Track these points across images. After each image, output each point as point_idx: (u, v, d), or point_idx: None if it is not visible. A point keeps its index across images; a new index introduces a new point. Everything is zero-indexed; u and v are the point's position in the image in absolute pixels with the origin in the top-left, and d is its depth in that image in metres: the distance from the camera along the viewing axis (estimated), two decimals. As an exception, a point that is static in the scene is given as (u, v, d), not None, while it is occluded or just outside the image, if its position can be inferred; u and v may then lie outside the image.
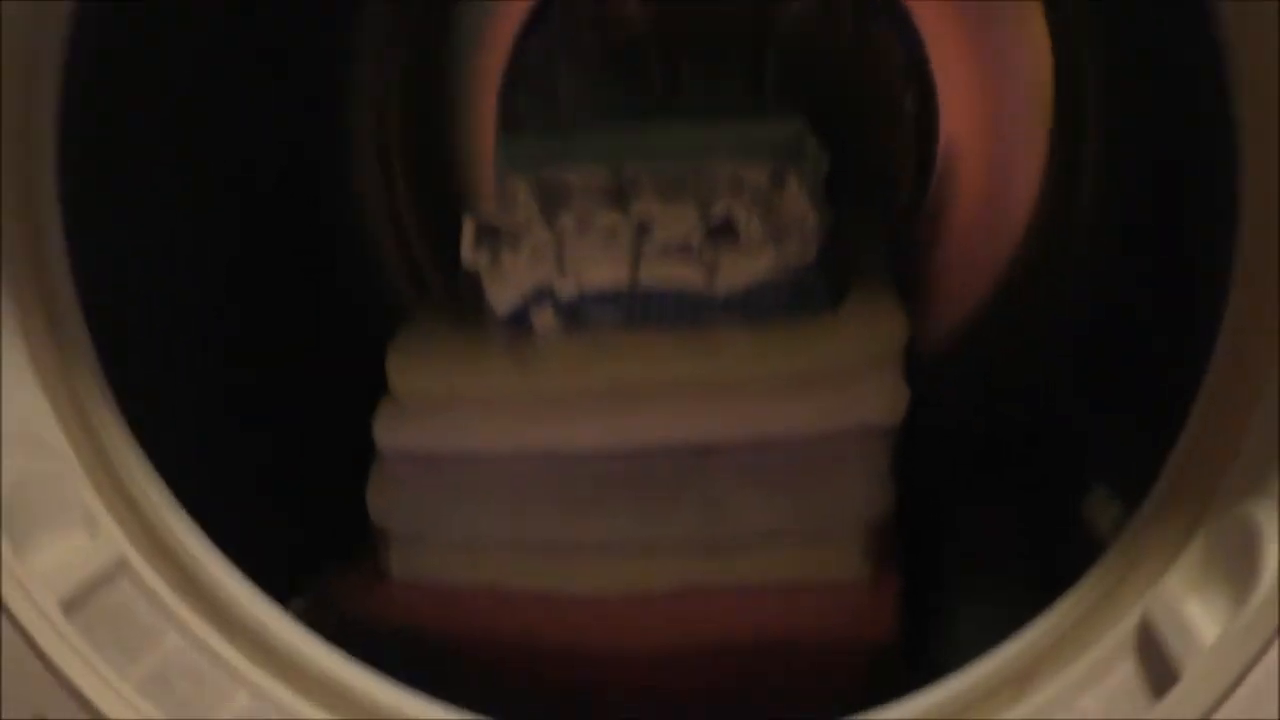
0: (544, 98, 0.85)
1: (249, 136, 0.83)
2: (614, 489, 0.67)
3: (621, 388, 0.66)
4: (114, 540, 0.55)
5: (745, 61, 0.91)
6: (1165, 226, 0.79)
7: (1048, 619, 0.52)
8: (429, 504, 0.69)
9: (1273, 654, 0.43)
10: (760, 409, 0.66)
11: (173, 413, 0.66)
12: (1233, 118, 0.47)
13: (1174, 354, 0.71)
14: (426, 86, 0.99)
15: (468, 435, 0.68)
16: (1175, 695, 0.45)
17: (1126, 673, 0.49)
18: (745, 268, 0.65)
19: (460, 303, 0.73)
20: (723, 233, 0.65)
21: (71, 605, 0.52)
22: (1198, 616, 0.46)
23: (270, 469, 0.79)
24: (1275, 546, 0.44)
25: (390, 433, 0.69)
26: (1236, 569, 0.46)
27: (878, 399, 0.66)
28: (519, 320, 0.69)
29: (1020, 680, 0.51)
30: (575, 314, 0.68)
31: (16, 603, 0.50)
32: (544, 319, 0.68)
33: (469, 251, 0.67)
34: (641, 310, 0.67)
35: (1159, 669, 0.47)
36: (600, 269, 0.66)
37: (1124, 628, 0.50)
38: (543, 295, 0.67)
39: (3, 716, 0.50)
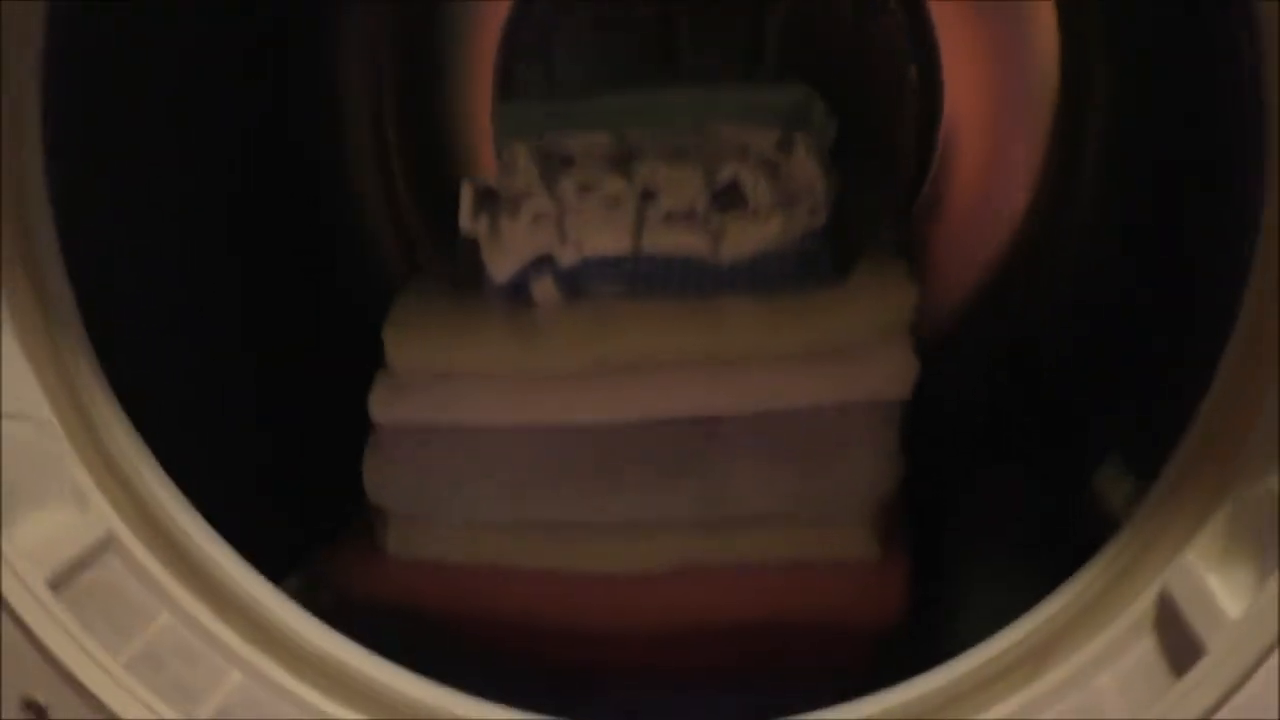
0: (542, 65, 0.83)
1: (242, 117, 0.83)
2: (616, 465, 0.65)
3: (624, 360, 0.65)
4: (103, 516, 0.54)
5: (745, 30, 0.89)
6: (1176, 203, 0.79)
7: (1063, 595, 0.52)
8: (426, 480, 0.68)
9: (1300, 628, 0.42)
10: (766, 382, 0.64)
11: (164, 389, 0.66)
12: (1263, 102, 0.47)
13: (1188, 325, 0.70)
14: (422, 56, 0.98)
15: (466, 409, 0.67)
16: (1199, 670, 0.44)
17: (1145, 649, 0.48)
18: (752, 235, 0.63)
19: (457, 272, 0.71)
20: (729, 199, 0.63)
21: (59, 583, 0.50)
22: (1220, 591, 0.46)
23: (263, 445, 0.78)
24: (1302, 519, 0.43)
25: (386, 406, 0.68)
26: (1260, 542, 0.45)
27: (887, 372, 0.64)
28: (518, 290, 0.67)
29: (1036, 657, 0.50)
30: (576, 283, 0.66)
31: (3, 581, 0.49)
32: (544, 288, 0.66)
33: (467, 218, 0.65)
34: (645, 279, 0.65)
35: (1180, 645, 0.46)
36: (602, 236, 0.65)
37: (1142, 604, 0.49)
38: (543, 264, 0.66)
39: (-10, 697, 0.49)
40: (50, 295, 0.55)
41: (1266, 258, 0.47)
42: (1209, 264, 0.72)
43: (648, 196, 0.64)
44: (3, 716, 0.49)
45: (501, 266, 0.66)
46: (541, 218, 0.64)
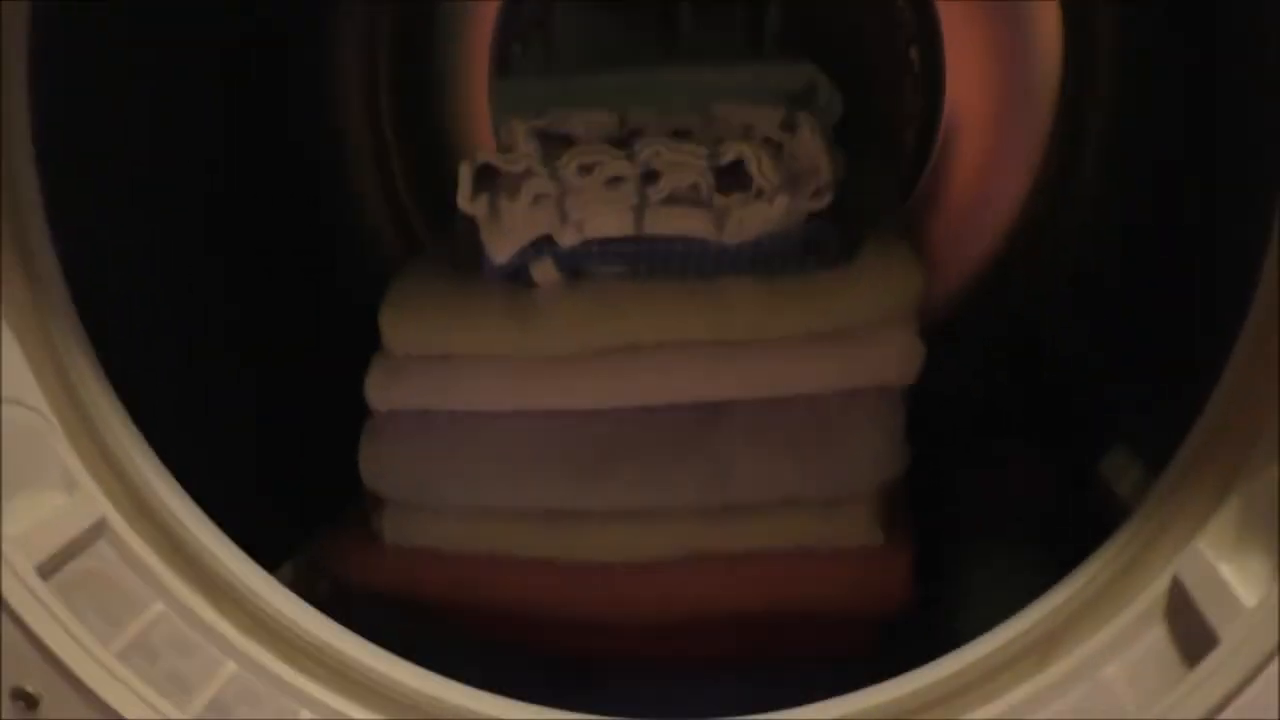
0: (541, 42, 0.82)
1: (236, 117, 0.83)
2: (618, 451, 0.65)
3: (625, 343, 0.64)
4: (94, 501, 0.53)
5: (746, 9, 0.88)
6: (1174, 194, 0.78)
7: (1072, 584, 0.51)
8: (424, 466, 0.67)
9: (1318, 616, 0.42)
10: (770, 366, 0.64)
11: (161, 379, 0.65)
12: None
13: (1195, 313, 0.70)
14: (418, 41, 0.97)
15: (464, 393, 0.66)
16: (1213, 660, 0.44)
17: (1156, 638, 0.48)
18: (756, 216, 0.62)
19: (455, 253, 0.70)
20: (732, 180, 0.62)
21: (50, 570, 0.50)
22: (1234, 580, 0.45)
23: (259, 436, 0.77)
24: (1318, 506, 0.43)
25: (383, 391, 0.67)
26: (1274, 530, 0.44)
27: (893, 357, 0.64)
28: (517, 272, 0.66)
29: (1044, 647, 0.50)
30: (577, 264, 0.65)
31: (-8, 568, 0.48)
32: (544, 270, 0.65)
33: (465, 198, 0.64)
34: (646, 261, 0.64)
35: (1192, 634, 0.46)
36: (604, 217, 0.63)
37: (1153, 593, 0.48)
38: (543, 245, 0.65)
39: (-21, 686, 0.48)
40: (43, 285, 0.54)
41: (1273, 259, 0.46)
42: (1213, 251, 0.72)
43: (650, 177, 0.63)
44: (-6, 706, 0.48)
45: (501, 247, 0.64)
46: (542, 198, 0.63)
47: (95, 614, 0.50)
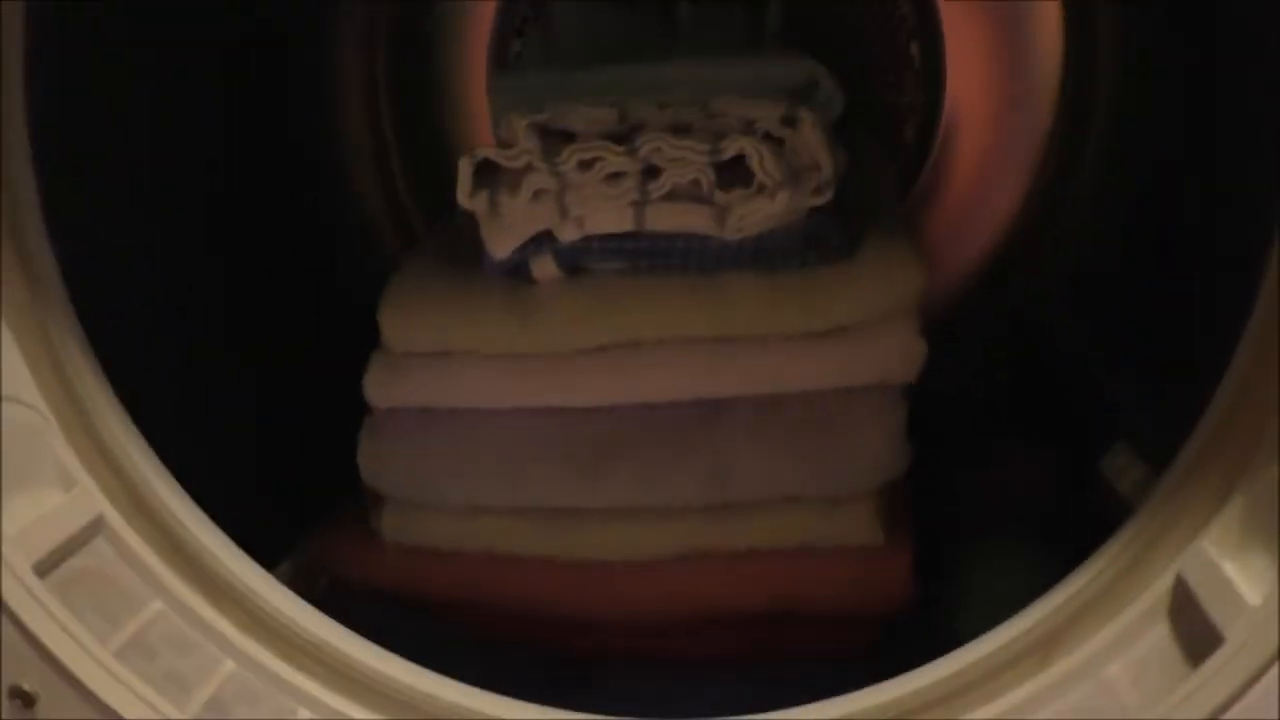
0: (540, 36, 0.81)
1: (235, 116, 0.83)
2: (618, 449, 0.64)
3: (626, 339, 0.64)
4: (91, 498, 0.53)
5: (747, 4, 0.87)
6: (1181, 190, 0.78)
7: (1074, 582, 0.51)
8: (423, 464, 0.67)
9: (1324, 616, 0.41)
10: (772, 363, 0.63)
11: (160, 378, 0.65)
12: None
13: (1198, 312, 0.70)
14: (415, 38, 0.97)
15: (464, 390, 0.66)
16: (1218, 659, 0.43)
17: (1159, 637, 0.48)
18: (758, 211, 0.62)
19: (454, 249, 0.70)
20: (734, 175, 0.62)
21: (47, 568, 0.49)
22: (1238, 578, 0.45)
23: (259, 434, 0.77)
24: (1323, 504, 0.42)
25: (382, 388, 0.66)
26: (1278, 529, 0.44)
27: (894, 354, 0.63)
28: (517, 268, 0.66)
29: (1046, 645, 0.50)
30: (577, 260, 0.65)
31: (-11, 566, 0.47)
32: (544, 266, 0.65)
33: (465, 194, 0.64)
34: (647, 256, 0.64)
35: (1196, 633, 0.45)
36: (604, 213, 0.63)
37: (1156, 591, 0.48)
38: (543, 241, 0.64)
39: (-24, 685, 0.47)
40: (41, 284, 0.54)
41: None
42: (1213, 250, 0.72)
43: (650, 172, 0.62)
44: (-8, 705, 0.48)
45: (501, 244, 0.64)
46: (542, 194, 0.63)
47: (93, 612, 0.50)
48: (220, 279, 0.79)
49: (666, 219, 0.63)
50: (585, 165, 0.62)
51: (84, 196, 0.61)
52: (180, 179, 0.76)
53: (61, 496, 0.52)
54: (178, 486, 0.56)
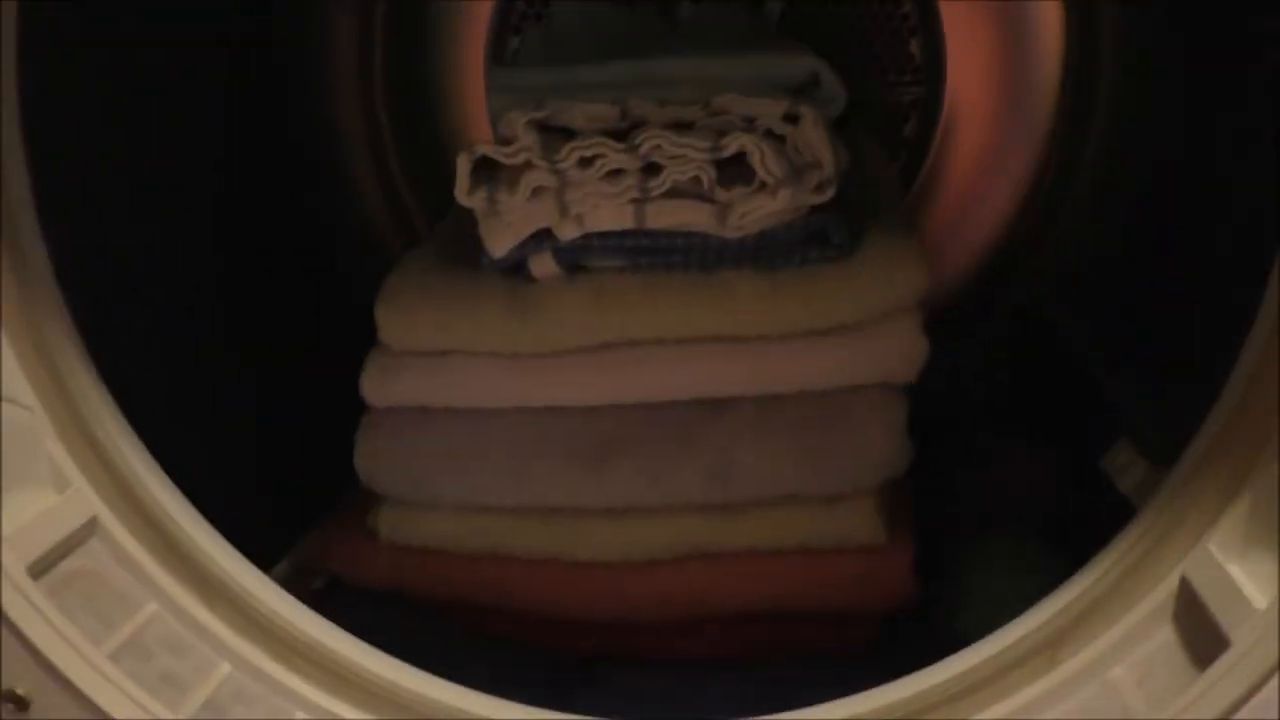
0: (539, 36, 0.81)
1: (234, 116, 0.83)
2: (618, 448, 0.64)
3: (626, 338, 0.63)
4: (85, 499, 0.52)
5: (747, 0, 0.87)
6: (1181, 190, 0.78)
7: (1078, 584, 0.51)
8: (420, 463, 0.66)
9: (1333, 619, 0.41)
10: (773, 361, 0.63)
11: (157, 374, 0.65)
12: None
13: (1198, 312, 0.70)
14: (413, 36, 0.96)
15: (463, 389, 0.65)
16: (1224, 662, 0.43)
17: (1164, 640, 0.47)
18: (759, 209, 0.61)
19: (453, 246, 0.69)
20: (735, 172, 0.61)
21: (40, 569, 0.49)
22: (1245, 581, 0.44)
23: (256, 434, 0.76)
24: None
25: (380, 386, 0.66)
26: (1287, 530, 0.44)
27: (896, 350, 0.63)
28: (516, 266, 0.65)
29: (1051, 647, 0.49)
30: (577, 258, 0.64)
31: (-20, 567, 0.47)
32: (543, 264, 0.64)
33: (464, 191, 0.63)
34: (648, 254, 0.64)
35: (1202, 637, 0.45)
36: (605, 211, 0.62)
37: (1161, 594, 0.48)
38: (542, 238, 0.64)
39: (-31, 688, 0.47)
40: (34, 284, 0.53)
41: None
42: (1212, 249, 0.71)
43: (651, 170, 0.62)
44: (-16, 708, 0.47)
45: (499, 242, 0.64)
46: (541, 191, 0.62)
47: (87, 614, 0.49)
48: (220, 278, 0.79)
49: (667, 217, 0.62)
50: (585, 162, 0.62)
51: (84, 196, 0.61)
52: (181, 179, 0.76)
53: (55, 498, 0.51)
54: (173, 487, 0.55)
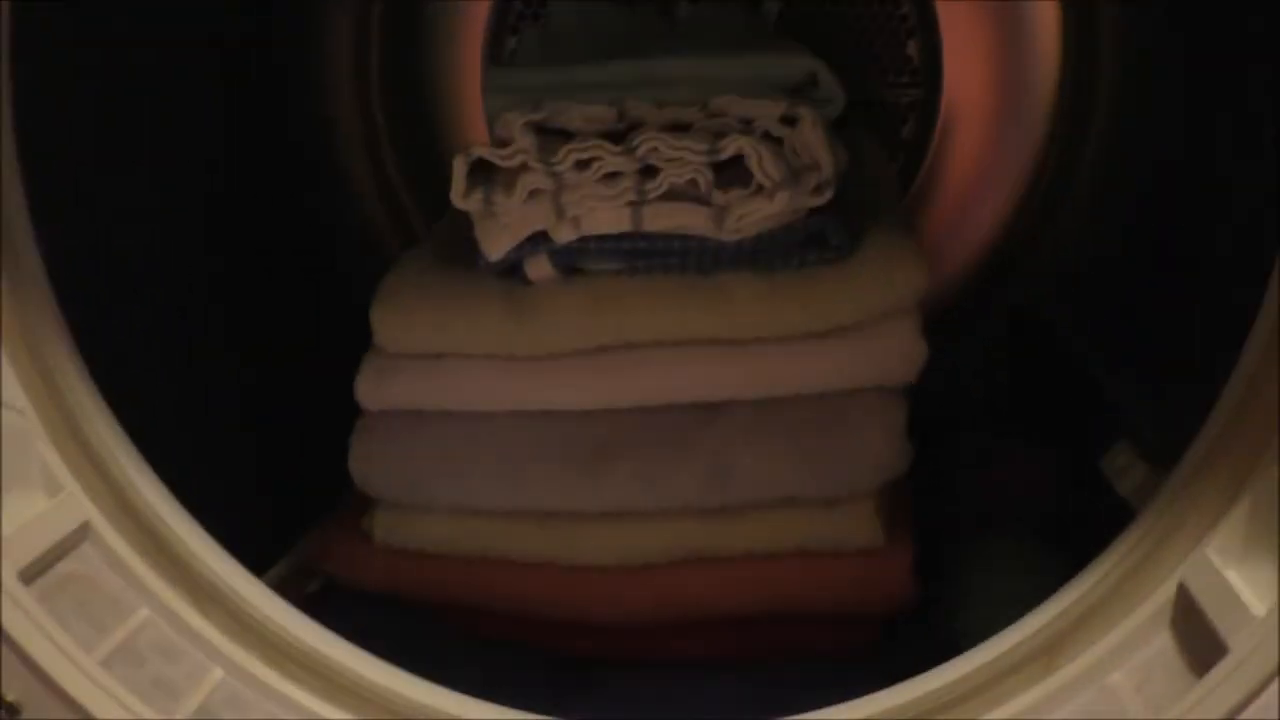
0: (536, 36, 0.81)
1: (233, 116, 0.83)
2: (615, 451, 0.63)
3: (623, 341, 0.63)
4: (78, 504, 0.52)
5: (745, 1, 0.87)
6: (1181, 186, 0.78)
7: (1078, 588, 0.50)
8: (415, 466, 0.66)
9: (1330, 627, 0.41)
10: (771, 364, 0.63)
11: (156, 375, 0.65)
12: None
13: (1197, 312, 0.69)
14: (411, 37, 0.96)
15: (458, 392, 0.65)
16: (1222, 669, 0.43)
17: (1162, 645, 0.47)
18: (756, 212, 0.61)
19: (449, 248, 0.69)
20: (733, 175, 0.61)
21: (31, 574, 0.48)
22: (1243, 588, 0.44)
23: (252, 437, 0.76)
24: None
25: (375, 389, 0.65)
26: (1282, 537, 0.43)
27: (895, 352, 0.63)
28: (512, 268, 0.65)
29: (1049, 652, 0.49)
30: (573, 261, 0.64)
31: (-29, 573, 0.47)
32: (539, 267, 0.64)
33: (459, 194, 0.63)
34: (644, 256, 0.63)
35: (1200, 643, 0.45)
36: (601, 213, 0.62)
37: (1158, 599, 0.47)
38: (538, 241, 0.63)
39: (-42, 694, 0.46)
40: (27, 286, 0.53)
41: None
42: (1212, 249, 0.71)
43: (648, 172, 0.61)
44: (-25, 714, 0.47)
45: (495, 244, 0.63)
46: (538, 193, 0.62)
47: (79, 620, 0.49)
48: (217, 279, 0.79)
49: (664, 219, 0.62)
50: (582, 165, 0.61)
51: (77, 197, 0.61)
52: (176, 179, 0.76)
53: (47, 501, 0.51)
54: (166, 491, 0.55)
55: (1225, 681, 0.42)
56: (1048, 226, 0.93)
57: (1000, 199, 0.93)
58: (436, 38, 0.96)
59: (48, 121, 0.54)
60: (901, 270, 0.63)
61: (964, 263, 0.94)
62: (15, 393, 0.51)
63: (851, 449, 0.62)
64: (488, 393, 0.65)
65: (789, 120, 0.61)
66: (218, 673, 0.51)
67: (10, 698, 0.46)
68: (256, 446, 0.76)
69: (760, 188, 0.60)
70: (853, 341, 0.62)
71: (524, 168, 0.62)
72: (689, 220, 0.62)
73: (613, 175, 0.62)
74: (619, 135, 0.62)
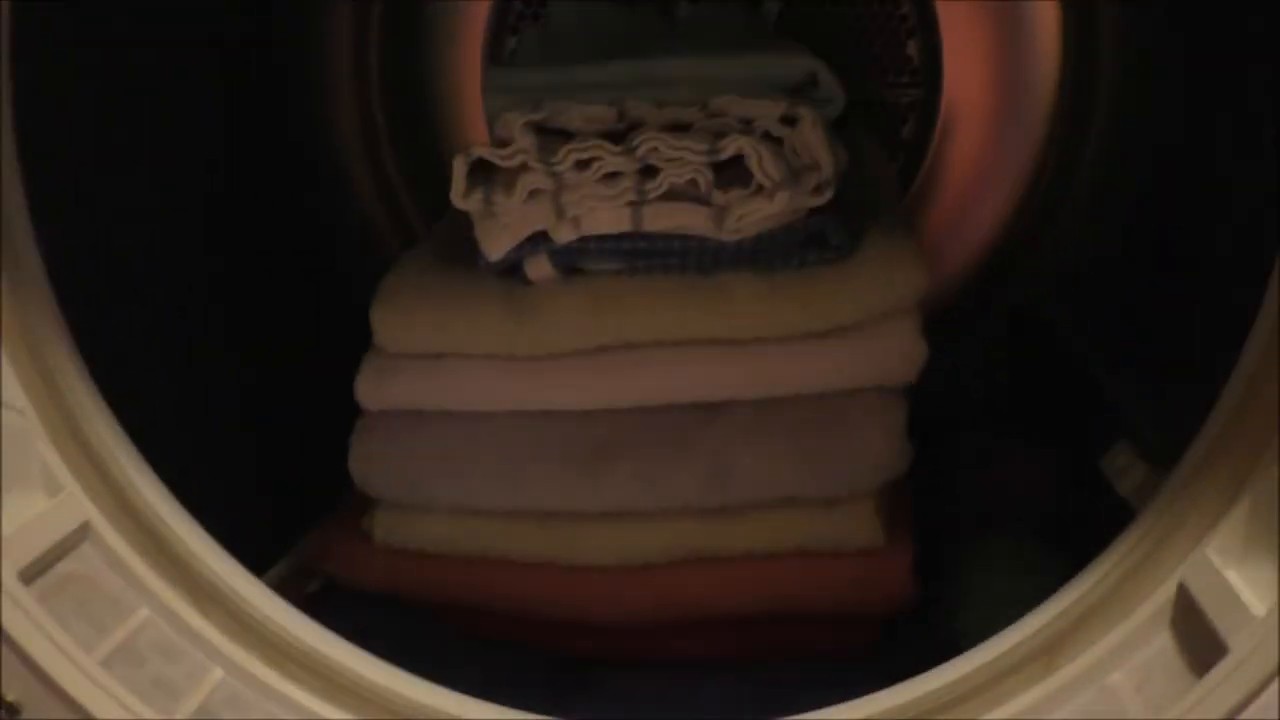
0: (536, 36, 0.81)
1: (233, 116, 0.83)
2: (615, 451, 0.63)
3: (623, 341, 0.63)
4: (78, 504, 0.52)
5: (745, 1, 0.87)
6: (1181, 186, 0.78)
7: (1078, 588, 0.50)
8: (415, 466, 0.66)
9: (1330, 627, 0.41)
10: (772, 364, 0.63)
11: (156, 375, 0.65)
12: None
13: (1197, 312, 0.69)
14: (411, 37, 0.96)
15: (459, 392, 0.65)
16: (1222, 669, 0.43)
17: (1162, 646, 0.47)
18: (756, 212, 0.61)
19: (449, 248, 0.69)
20: (733, 175, 0.61)
21: (31, 574, 0.48)
22: (1243, 588, 0.44)
23: (252, 437, 0.76)
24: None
25: (375, 389, 0.65)
26: (1282, 537, 0.43)
27: (895, 352, 0.63)
28: (512, 268, 0.65)
29: (1049, 652, 0.49)
30: (573, 261, 0.64)
31: (-29, 572, 0.47)
32: (539, 267, 0.64)
33: (459, 194, 0.63)
34: (645, 256, 0.63)
35: (1200, 643, 0.45)
36: (601, 213, 0.62)
37: (1158, 599, 0.47)
38: (538, 241, 0.63)
39: (-41, 694, 0.46)
40: (27, 286, 0.53)
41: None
42: (1212, 249, 0.71)
43: (648, 172, 0.61)
44: (-25, 714, 0.47)
45: (496, 244, 0.63)
46: (537, 193, 0.62)
47: (79, 620, 0.49)
48: (217, 279, 0.79)
49: (664, 219, 0.62)
50: (582, 165, 0.61)
51: (77, 197, 0.61)
52: (176, 179, 0.76)
53: (47, 501, 0.51)
54: (165, 491, 0.55)
55: (1225, 681, 0.42)
56: (1048, 226, 0.93)
57: (1000, 199, 0.93)
58: (436, 38, 0.96)
59: (48, 121, 0.54)
60: (901, 270, 0.63)
61: (964, 263, 0.94)
62: (15, 393, 0.51)
63: (851, 449, 0.62)
64: (488, 393, 0.65)
65: (789, 120, 0.61)
66: (218, 673, 0.51)
67: (10, 698, 0.46)
68: (256, 446, 0.76)
69: (760, 188, 0.60)
70: (853, 341, 0.62)
71: (524, 168, 0.62)
72: (689, 220, 0.62)
73: (613, 175, 0.62)
74: (619, 135, 0.62)
